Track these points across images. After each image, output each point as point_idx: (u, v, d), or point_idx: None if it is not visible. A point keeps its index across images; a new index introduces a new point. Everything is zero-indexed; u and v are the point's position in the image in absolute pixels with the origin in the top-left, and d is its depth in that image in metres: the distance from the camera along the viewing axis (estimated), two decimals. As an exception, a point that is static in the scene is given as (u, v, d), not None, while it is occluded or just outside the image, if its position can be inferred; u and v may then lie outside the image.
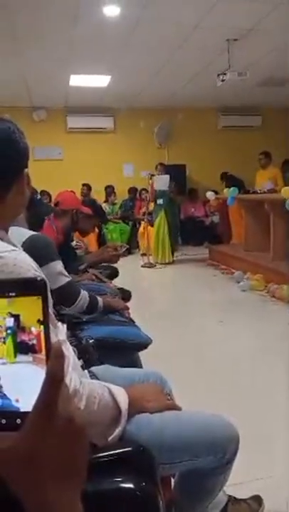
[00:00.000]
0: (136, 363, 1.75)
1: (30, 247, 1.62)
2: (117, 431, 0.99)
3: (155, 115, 9.07)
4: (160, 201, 6.98)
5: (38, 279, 0.41)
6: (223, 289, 5.21)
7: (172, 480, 1.27)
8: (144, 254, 7.31)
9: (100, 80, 7.05)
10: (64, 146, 8.92)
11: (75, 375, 0.98)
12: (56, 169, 8.42)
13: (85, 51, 5.59)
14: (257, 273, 5.18)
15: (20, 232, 1.70)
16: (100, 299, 1.91)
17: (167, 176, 6.92)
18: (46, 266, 1.69)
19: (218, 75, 5.85)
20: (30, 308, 0.40)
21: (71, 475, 0.41)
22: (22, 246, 1.63)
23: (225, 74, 5.77)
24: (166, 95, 8.11)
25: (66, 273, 1.77)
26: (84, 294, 1.81)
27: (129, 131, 9.11)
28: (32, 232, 1.73)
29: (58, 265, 1.73)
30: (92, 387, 1.00)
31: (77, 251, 3.15)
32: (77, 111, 8.73)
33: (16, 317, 0.40)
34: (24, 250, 1.64)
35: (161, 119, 9.16)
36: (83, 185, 8.34)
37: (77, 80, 6.94)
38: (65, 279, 1.75)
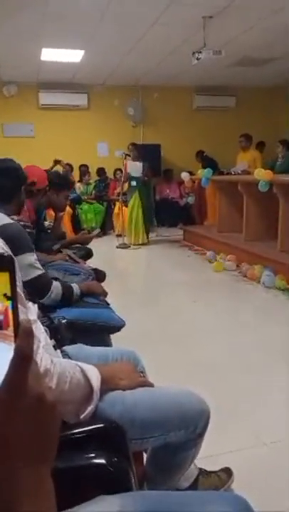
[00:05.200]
0: (106, 345, 1.75)
1: (1, 236, 1.58)
2: (90, 409, 0.99)
3: (130, 93, 8.90)
4: (134, 182, 6.91)
5: (5, 254, 0.40)
6: (197, 270, 5.27)
7: (144, 455, 1.30)
8: (119, 235, 7.28)
9: (73, 55, 6.83)
10: (36, 123, 8.64)
11: (46, 354, 0.97)
12: (27, 147, 8.17)
13: (57, 24, 5.39)
14: (230, 253, 5.26)
15: None
16: (75, 286, 1.86)
17: (141, 164, 6.80)
18: (17, 258, 1.64)
19: (194, 53, 5.77)
20: (-4, 285, 0.39)
21: (41, 452, 0.41)
22: None
23: (200, 52, 5.69)
24: (141, 73, 7.96)
25: (39, 265, 1.73)
26: (56, 286, 1.76)
27: (104, 109, 8.92)
28: (5, 220, 1.65)
29: (30, 257, 1.68)
30: (63, 365, 1.00)
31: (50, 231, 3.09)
32: (50, 87, 8.46)
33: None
34: None
35: (136, 97, 9.01)
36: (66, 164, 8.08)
37: (49, 54, 6.70)
38: (37, 271, 1.70)
